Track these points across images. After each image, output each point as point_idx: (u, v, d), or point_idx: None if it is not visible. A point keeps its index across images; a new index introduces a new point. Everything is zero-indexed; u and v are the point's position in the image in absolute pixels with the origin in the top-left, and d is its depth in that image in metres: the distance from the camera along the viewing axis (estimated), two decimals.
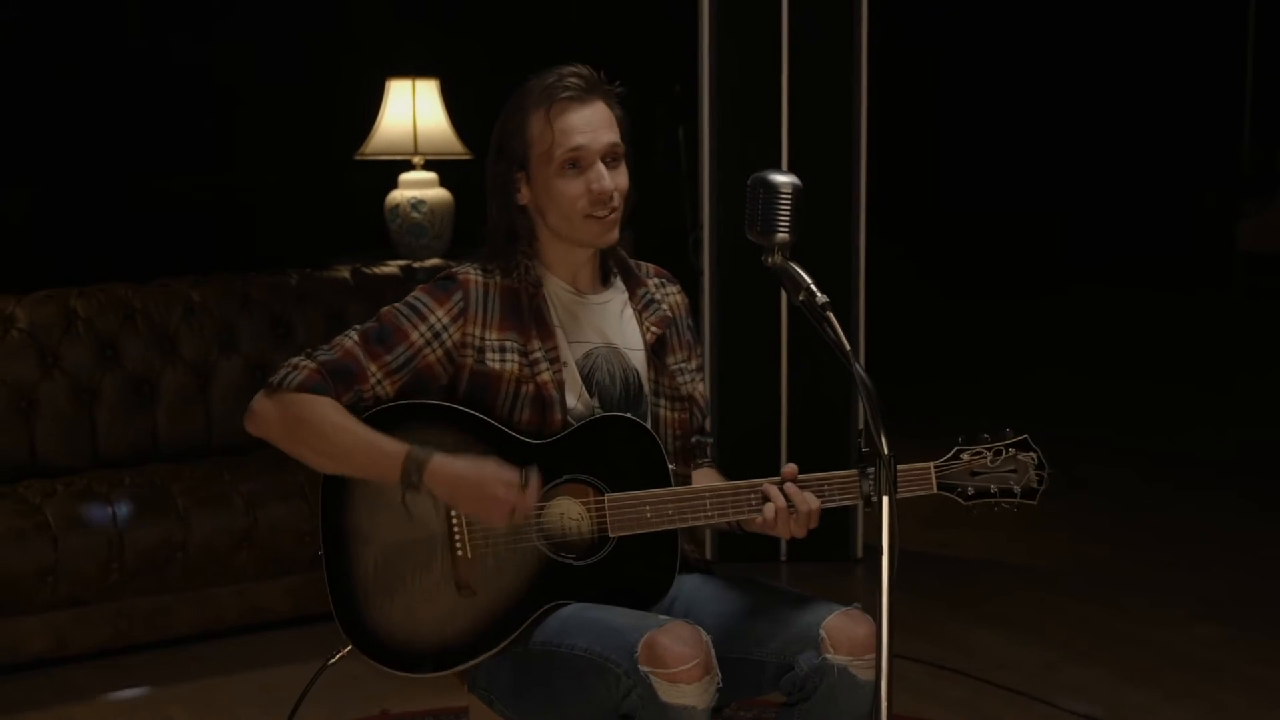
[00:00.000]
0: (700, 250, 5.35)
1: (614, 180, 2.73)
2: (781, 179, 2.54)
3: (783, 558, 5.40)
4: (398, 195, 6.40)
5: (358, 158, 6.49)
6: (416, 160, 6.42)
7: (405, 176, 6.44)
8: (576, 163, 2.71)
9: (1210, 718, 4.15)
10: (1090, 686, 4.31)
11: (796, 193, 2.54)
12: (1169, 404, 8.22)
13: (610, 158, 2.73)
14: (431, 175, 6.45)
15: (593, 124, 2.71)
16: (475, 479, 2.60)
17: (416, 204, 6.34)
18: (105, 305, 4.95)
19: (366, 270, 5.43)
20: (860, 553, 5.44)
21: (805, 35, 5.24)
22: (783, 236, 2.53)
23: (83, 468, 4.82)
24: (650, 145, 9.86)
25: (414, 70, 6.44)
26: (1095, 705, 4.14)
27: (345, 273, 5.39)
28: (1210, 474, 6.76)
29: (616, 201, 2.74)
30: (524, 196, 2.77)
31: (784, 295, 5.30)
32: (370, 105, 6.49)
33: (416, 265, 5.62)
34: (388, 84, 6.45)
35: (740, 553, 5.23)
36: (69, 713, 4.19)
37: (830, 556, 5.35)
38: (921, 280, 11.77)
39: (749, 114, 5.27)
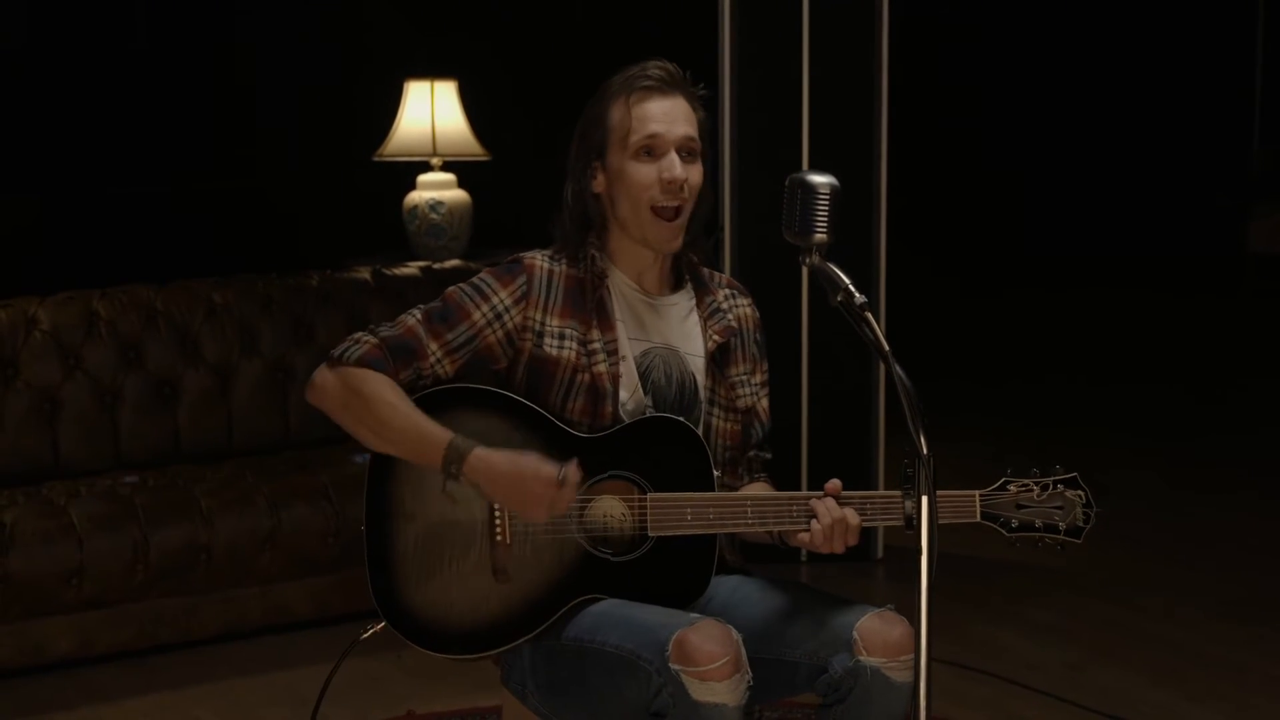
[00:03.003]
0: (720, 251, 5.34)
1: (686, 172, 2.75)
2: (820, 179, 2.54)
3: (803, 559, 5.39)
4: (416, 197, 6.41)
5: (376, 159, 6.50)
6: (435, 162, 6.43)
7: (424, 178, 6.44)
8: (651, 150, 2.74)
9: (1235, 718, 4.15)
10: (1115, 687, 4.31)
11: (834, 193, 2.54)
12: (1183, 406, 8.20)
13: (685, 151, 2.76)
14: (450, 176, 6.45)
15: (671, 115, 2.75)
16: (514, 474, 2.62)
17: (435, 205, 6.35)
18: (127, 307, 4.96)
19: (387, 271, 5.44)
20: (881, 553, 5.44)
21: (826, 32, 5.23)
22: (820, 237, 2.54)
23: (105, 469, 4.83)
24: None
25: (432, 72, 6.44)
26: (1120, 706, 4.14)
27: (366, 274, 5.39)
28: (1230, 475, 6.74)
29: (686, 194, 2.76)
30: (599, 184, 2.80)
31: (805, 296, 5.30)
32: (389, 107, 6.50)
33: (436, 266, 5.62)
34: (406, 85, 6.45)
35: (761, 554, 5.21)
36: (94, 714, 4.20)
37: (851, 557, 5.31)
38: (938, 278, 11.76)
39: (769, 114, 5.27)
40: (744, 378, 2.91)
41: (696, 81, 2.83)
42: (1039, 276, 12.48)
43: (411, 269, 5.52)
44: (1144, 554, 5.62)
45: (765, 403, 2.96)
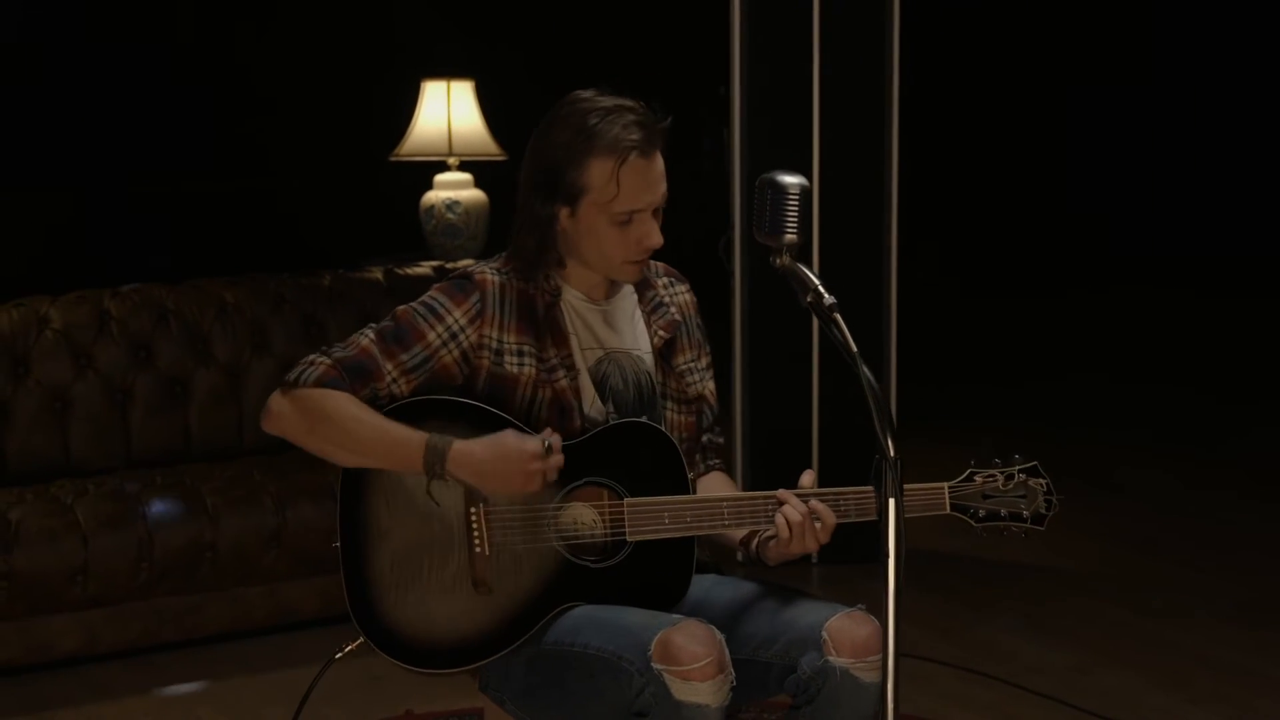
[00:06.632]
0: (731, 252, 5.34)
1: (658, 234, 2.73)
2: (789, 179, 2.55)
3: (814, 560, 5.38)
4: (433, 196, 6.42)
5: (393, 159, 6.51)
6: (451, 161, 6.44)
7: (440, 178, 6.45)
8: (630, 219, 2.70)
9: None
10: (1119, 690, 4.28)
11: (804, 193, 2.54)
12: (1202, 408, 8.14)
13: (658, 208, 2.74)
14: (466, 176, 6.46)
15: (653, 181, 2.71)
16: (499, 456, 2.61)
17: (451, 205, 6.35)
18: (139, 306, 4.98)
19: (399, 271, 5.45)
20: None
21: (837, 35, 5.22)
22: (791, 237, 2.54)
23: (115, 468, 4.86)
24: (695, 147, 9.84)
25: (449, 72, 6.45)
26: (1123, 709, 4.11)
27: (378, 274, 5.41)
28: (1241, 478, 6.69)
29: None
30: (563, 221, 2.74)
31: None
32: (406, 106, 6.51)
33: (450, 266, 5.63)
34: (423, 85, 6.46)
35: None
36: (99, 711, 4.22)
37: (863, 557, 5.31)
38: (957, 279, 11.72)
39: (780, 115, 5.26)
40: (691, 364, 2.91)
41: (664, 115, 2.74)
42: (1074, 277, 12.43)
43: (424, 268, 5.53)
44: (1151, 556, 5.59)
45: (712, 385, 2.95)
